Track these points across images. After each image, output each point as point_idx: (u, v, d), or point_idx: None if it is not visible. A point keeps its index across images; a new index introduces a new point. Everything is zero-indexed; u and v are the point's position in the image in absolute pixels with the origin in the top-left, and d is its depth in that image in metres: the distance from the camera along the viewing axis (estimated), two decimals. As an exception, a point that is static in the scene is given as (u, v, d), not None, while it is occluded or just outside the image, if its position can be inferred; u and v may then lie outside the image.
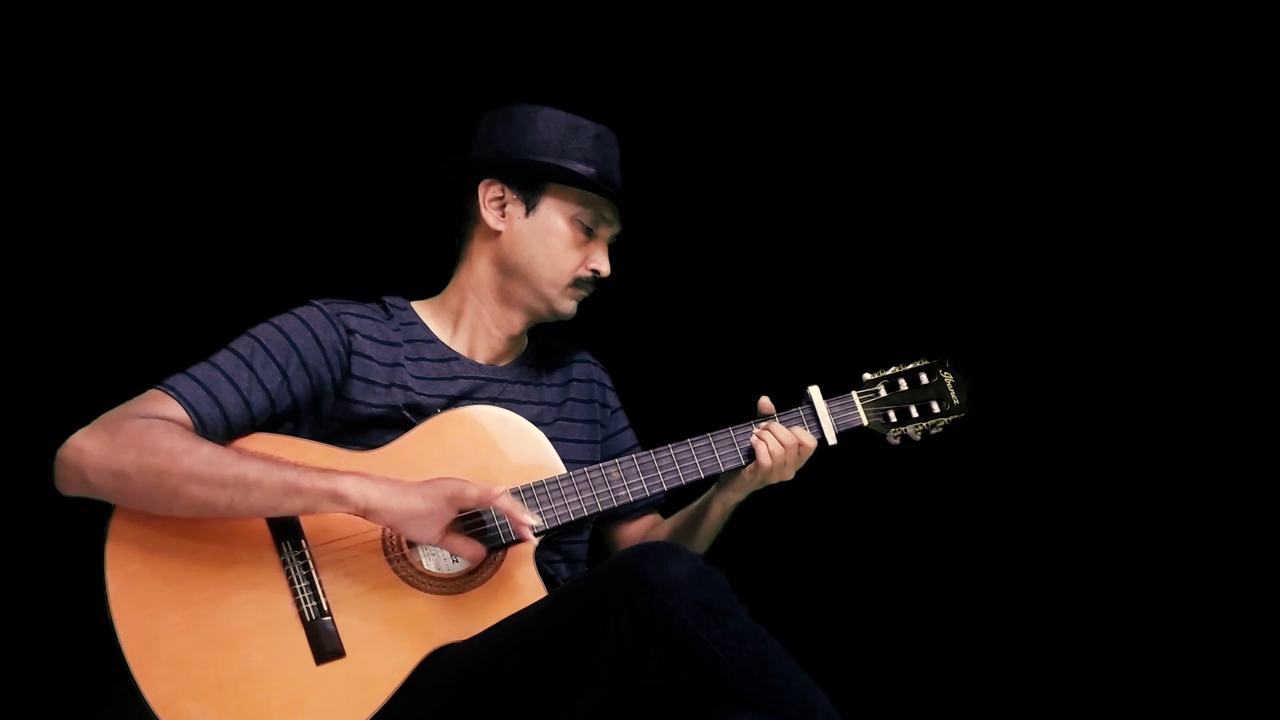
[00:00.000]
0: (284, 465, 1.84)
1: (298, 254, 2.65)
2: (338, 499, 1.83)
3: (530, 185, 2.10)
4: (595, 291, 2.16)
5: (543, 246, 2.11)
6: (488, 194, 2.11)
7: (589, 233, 2.12)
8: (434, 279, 2.21)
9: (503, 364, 2.16)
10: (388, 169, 2.64)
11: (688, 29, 2.78)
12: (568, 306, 2.15)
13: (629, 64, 2.75)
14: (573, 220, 2.11)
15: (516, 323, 2.15)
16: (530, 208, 2.11)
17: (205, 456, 1.81)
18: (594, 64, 2.71)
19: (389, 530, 1.92)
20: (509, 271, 2.12)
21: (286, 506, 1.83)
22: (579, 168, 2.09)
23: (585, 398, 2.23)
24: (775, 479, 2.09)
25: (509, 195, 2.11)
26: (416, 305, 2.16)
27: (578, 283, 2.13)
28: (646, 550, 1.76)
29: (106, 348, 2.55)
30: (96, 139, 2.61)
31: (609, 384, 2.30)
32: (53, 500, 1.86)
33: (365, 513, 1.83)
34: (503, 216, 2.11)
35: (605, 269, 2.13)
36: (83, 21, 2.57)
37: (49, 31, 2.57)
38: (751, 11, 2.78)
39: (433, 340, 2.12)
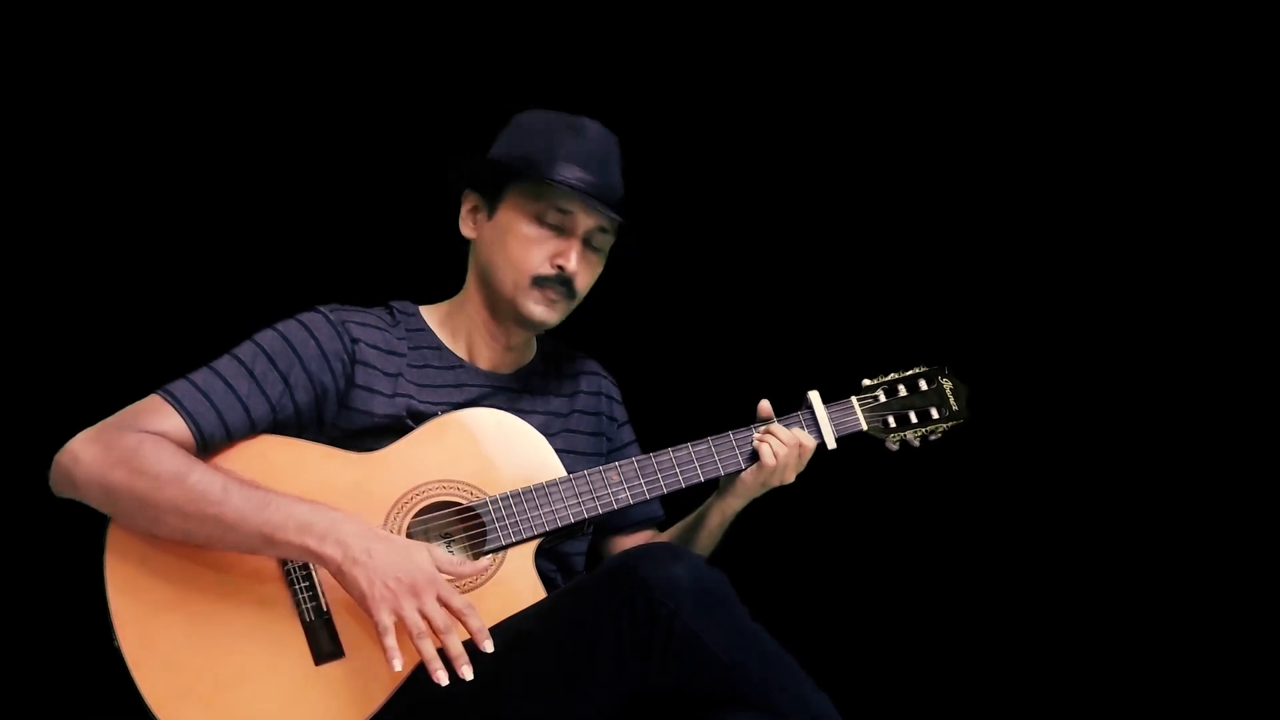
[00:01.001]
0: (265, 509, 1.80)
1: (310, 256, 2.65)
2: (311, 557, 1.81)
3: (490, 189, 2.07)
4: (572, 295, 2.06)
5: (502, 248, 2.05)
6: (466, 205, 2.10)
7: (559, 230, 2.04)
8: (450, 282, 2.19)
9: (509, 371, 2.15)
10: (403, 170, 2.64)
11: (690, 31, 2.78)
12: (535, 310, 2.05)
13: (632, 67, 2.75)
14: (534, 218, 2.04)
15: (511, 332, 2.12)
16: (491, 212, 2.08)
17: (189, 490, 1.79)
18: (598, 66, 2.71)
19: (389, 530, 1.91)
20: (484, 279, 2.09)
21: (266, 553, 1.83)
22: (530, 159, 2.02)
23: (592, 410, 2.21)
24: (777, 481, 2.09)
25: (479, 202, 2.09)
26: (425, 310, 2.14)
27: (539, 281, 2.04)
28: (646, 552, 1.76)
29: (115, 350, 2.55)
30: (111, 142, 2.61)
31: (617, 397, 2.27)
32: (53, 499, 1.87)
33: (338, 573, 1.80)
34: (474, 224, 2.10)
35: (570, 265, 2.03)
36: (90, 22, 2.58)
37: (57, 32, 2.58)
38: (753, 13, 2.79)
39: (439, 347, 2.10)
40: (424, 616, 1.77)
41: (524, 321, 2.07)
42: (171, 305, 2.62)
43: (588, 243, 2.07)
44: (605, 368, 2.29)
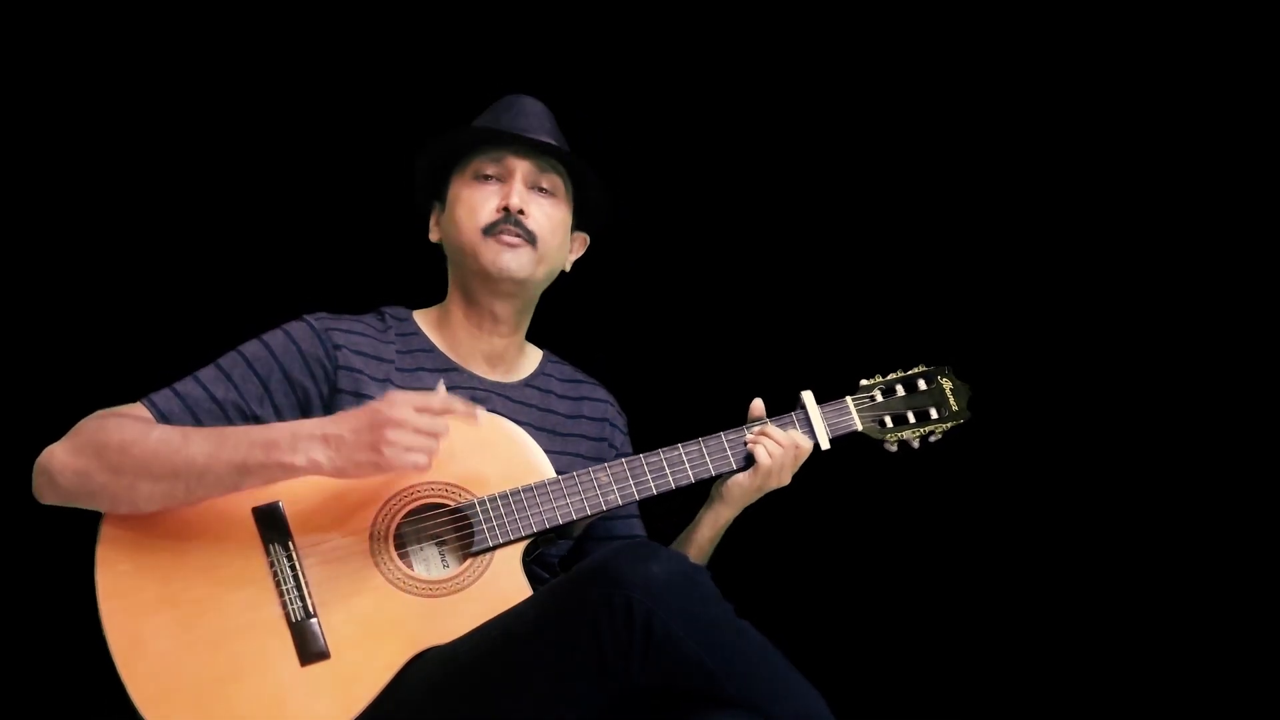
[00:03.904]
0: (225, 443, 1.83)
1: (306, 265, 2.67)
2: (289, 471, 1.84)
3: (437, 188, 2.14)
4: (530, 237, 2.06)
5: (454, 222, 2.11)
6: (431, 217, 2.17)
7: (499, 179, 2.09)
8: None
9: (506, 379, 2.15)
10: (396, 176, 2.65)
11: (685, 31, 2.79)
12: (495, 259, 2.05)
13: (627, 68, 2.76)
14: (471, 180, 2.10)
15: (498, 316, 2.11)
16: (442, 202, 2.15)
17: (154, 447, 1.83)
18: (596, 69, 2.72)
19: (376, 531, 1.91)
20: (454, 265, 2.13)
21: (244, 485, 1.85)
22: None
23: (595, 435, 2.20)
24: (774, 483, 2.07)
25: (436, 206, 2.17)
26: (419, 314, 2.15)
27: (491, 229, 2.07)
28: (624, 549, 1.75)
29: (111, 361, 2.57)
30: (104, 153, 2.65)
31: (621, 427, 2.26)
32: (42, 503, 1.88)
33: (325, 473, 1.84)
34: (437, 227, 2.16)
35: (514, 202, 2.06)
36: (83, 29, 2.62)
37: (44, 42, 2.61)
38: (752, 13, 2.79)
39: (431, 350, 2.11)
40: (419, 432, 1.82)
41: (493, 280, 2.08)
42: (166, 318, 2.66)
43: (534, 187, 2.10)
44: (599, 369, 2.28)
